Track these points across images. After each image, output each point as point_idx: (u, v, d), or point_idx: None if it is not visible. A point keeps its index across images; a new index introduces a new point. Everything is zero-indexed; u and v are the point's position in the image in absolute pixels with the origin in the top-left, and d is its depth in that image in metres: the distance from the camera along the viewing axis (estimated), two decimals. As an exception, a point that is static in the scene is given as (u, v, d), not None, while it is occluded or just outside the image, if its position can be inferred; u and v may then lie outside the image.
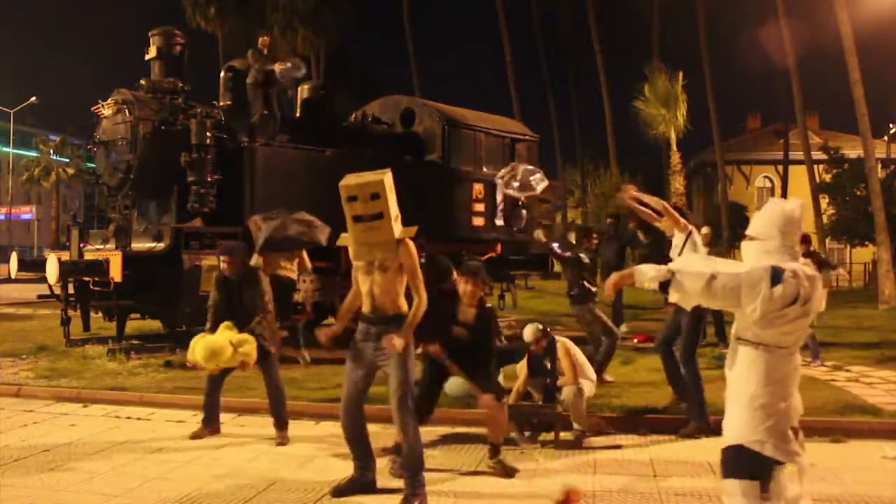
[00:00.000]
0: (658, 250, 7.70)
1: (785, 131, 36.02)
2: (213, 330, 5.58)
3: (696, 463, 5.08)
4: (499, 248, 13.15)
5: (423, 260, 4.79)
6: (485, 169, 12.78)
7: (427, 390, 5.06)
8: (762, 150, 42.92)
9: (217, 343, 5.40)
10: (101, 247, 10.75)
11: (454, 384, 6.73)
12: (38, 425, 6.27)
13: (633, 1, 33.85)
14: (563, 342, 5.89)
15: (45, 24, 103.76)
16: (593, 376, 6.13)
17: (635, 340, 10.45)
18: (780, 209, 2.97)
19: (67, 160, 49.34)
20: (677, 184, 25.72)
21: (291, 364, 8.40)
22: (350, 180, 4.23)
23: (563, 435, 5.65)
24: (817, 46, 51.93)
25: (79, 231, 10.01)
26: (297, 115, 12.17)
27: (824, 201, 27.56)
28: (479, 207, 12.66)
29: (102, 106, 10.64)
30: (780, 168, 37.98)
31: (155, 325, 11.42)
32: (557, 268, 12.04)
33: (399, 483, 4.36)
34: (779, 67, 29.97)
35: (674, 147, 25.63)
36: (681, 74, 25.30)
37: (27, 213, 51.97)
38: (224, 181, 10.08)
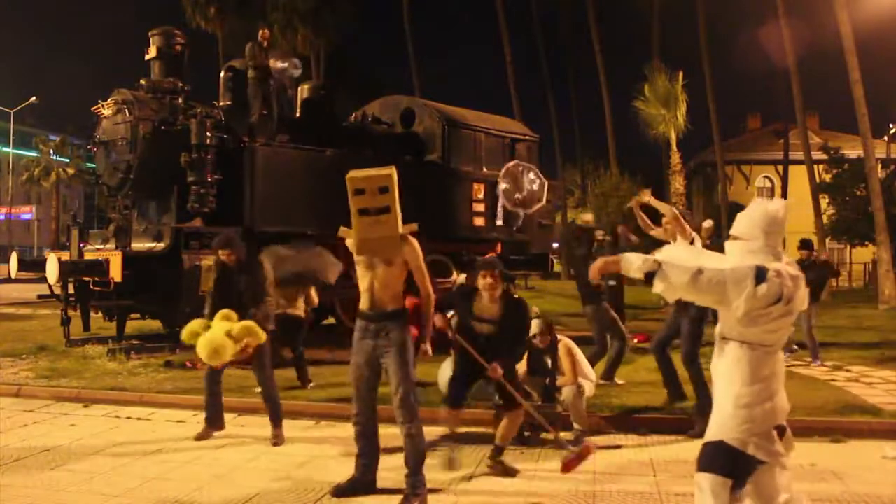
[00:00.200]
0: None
1: (785, 131, 36.01)
2: (211, 316, 5.54)
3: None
4: (499, 248, 13.14)
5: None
6: (485, 169, 12.78)
7: (459, 380, 5.00)
8: (762, 150, 42.94)
9: (218, 341, 5.36)
10: (101, 247, 10.75)
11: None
12: (38, 425, 6.27)
13: (633, 1, 33.85)
14: (564, 342, 5.89)
15: (45, 24, 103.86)
16: (593, 376, 6.13)
17: (635, 340, 10.44)
18: (764, 210, 2.98)
19: (67, 160, 49.33)
20: (677, 184, 25.69)
21: (291, 365, 8.39)
22: (358, 173, 4.19)
23: (563, 435, 5.65)
24: (817, 46, 52.03)
25: (79, 231, 10.01)
26: (297, 115, 12.16)
27: (824, 201, 27.54)
28: (479, 207, 12.65)
29: (102, 106, 10.64)
30: (780, 168, 37.99)
31: (155, 325, 11.42)
32: (557, 268, 12.02)
33: (400, 483, 4.36)
34: (779, 67, 29.97)
35: (674, 147, 25.60)
36: (681, 74, 25.28)
37: (27, 213, 51.97)
38: (224, 181, 10.08)
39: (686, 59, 59.00)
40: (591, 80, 76.36)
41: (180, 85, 10.67)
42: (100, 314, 10.47)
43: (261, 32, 11.46)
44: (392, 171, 4.18)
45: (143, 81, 10.63)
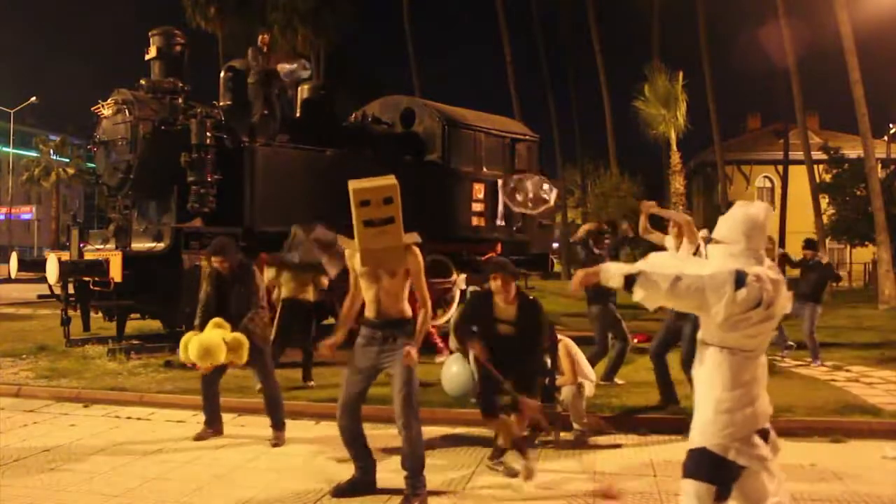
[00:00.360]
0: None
1: (785, 131, 35.98)
2: (202, 327, 5.50)
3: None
4: (499, 248, 13.14)
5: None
6: (485, 169, 12.78)
7: (486, 390, 4.90)
8: (762, 150, 42.91)
9: (211, 341, 5.35)
10: (101, 247, 10.75)
11: (453, 384, 6.73)
12: (38, 425, 6.27)
13: (633, 1, 33.86)
14: (564, 342, 5.88)
15: (45, 24, 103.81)
16: (593, 376, 6.13)
17: (635, 340, 10.42)
18: (745, 213, 2.97)
19: (67, 160, 49.33)
20: (677, 184, 25.71)
21: (292, 366, 8.39)
22: (362, 184, 4.16)
23: (563, 435, 5.66)
24: (817, 46, 52.05)
25: (79, 231, 10.01)
26: (297, 115, 12.17)
27: (824, 201, 27.55)
28: (479, 207, 12.65)
29: (102, 106, 10.64)
30: (780, 168, 37.94)
31: (155, 325, 11.42)
32: (557, 268, 12.00)
33: (400, 483, 4.36)
34: (779, 67, 29.96)
35: (674, 147, 25.62)
36: (681, 74, 25.31)
37: (27, 213, 51.97)
38: (224, 181, 10.08)
39: (686, 59, 59.15)
40: (591, 80, 76.54)
41: (180, 85, 10.66)
42: (100, 314, 10.47)
43: (261, 37, 11.48)
44: (395, 182, 4.18)
45: (143, 81, 10.63)
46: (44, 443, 5.64)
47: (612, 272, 2.94)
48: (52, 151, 48.94)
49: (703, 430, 2.89)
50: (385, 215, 4.14)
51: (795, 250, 10.18)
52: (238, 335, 5.43)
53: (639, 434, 5.86)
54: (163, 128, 10.19)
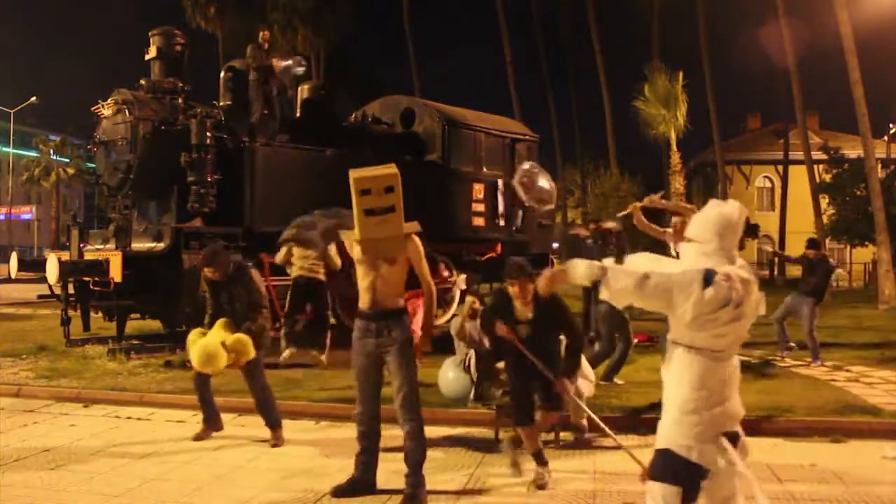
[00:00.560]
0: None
1: (785, 131, 36.01)
2: (210, 326, 5.56)
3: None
4: (499, 248, 13.15)
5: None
6: (485, 169, 12.78)
7: (521, 397, 4.86)
8: (762, 150, 42.95)
9: (212, 348, 5.37)
10: (101, 247, 10.75)
11: (451, 388, 6.74)
12: (38, 425, 6.27)
13: (633, 1, 33.86)
14: (564, 341, 5.88)
15: (45, 24, 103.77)
16: (592, 377, 6.13)
17: (636, 340, 10.44)
18: (718, 212, 2.94)
19: (67, 160, 49.32)
20: (677, 184, 25.68)
21: (294, 366, 8.40)
22: (363, 173, 4.17)
23: (563, 435, 5.66)
24: (817, 46, 52.01)
25: (79, 231, 10.01)
26: (297, 115, 12.17)
27: (824, 201, 27.56)
28: (479, 207, 12.65)
29: (102, 106, 10.64)
30: (780, 168, 37.97)
31: (155, 325, 11.42)
32: (557, 267, 11.98)
33: (400, 483, 4.36)
34: (779, 67, 30.00)
35: (674, 147, 25.60)
36: (681, 74, 25.25)
37: (27, 213, 51.96)
38: (224, 181, 10.08)
39: (686, 59, 59.02)
40: (591, 80, 76.34)
41: (180, 85, 10.67)
42: (100, 314, 10.47)
43: (261, 34, 11.47)
44: (396, 171, 4.18)
45: (143, 81, 10.64)
46: (44, 443, 5.64)
47: (580, 270, 2.91)
48: (52, 151, 48.93)
49: (669, 431, 2.86)
50: (386, 204, 4.14)
51: (796, 250, 10.15)
52: (240, 336, 5.44)
53: (639, 434, 5.85)
54: (163, 128, 10.19)
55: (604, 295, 2.89)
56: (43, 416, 6.62)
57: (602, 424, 4.52)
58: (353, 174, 4.16)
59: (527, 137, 13.78)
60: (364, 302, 4.39)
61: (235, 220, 10.11)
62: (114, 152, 10.43)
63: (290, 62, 11.13)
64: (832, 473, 4.82)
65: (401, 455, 4.40)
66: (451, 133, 12.43)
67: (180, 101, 10.56)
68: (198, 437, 5.73)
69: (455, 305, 11.76)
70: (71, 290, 10.01)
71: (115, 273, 9.30)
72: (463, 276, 11.65)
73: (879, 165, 25.04)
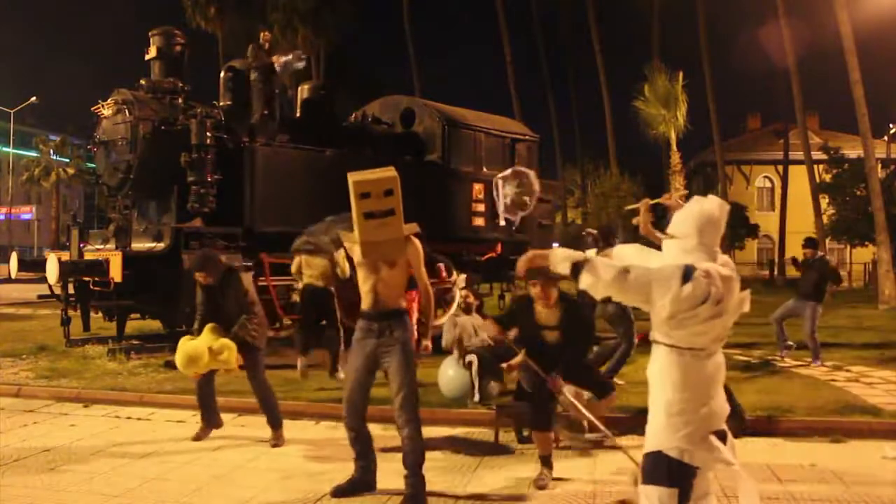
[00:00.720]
0: None
1: (785, 131, 36.02)
2: (200, 331, 5.55)
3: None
4: (499, 248, 13.14)
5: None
6: (485, 169, 12.77)
7: (540, 399, 4.82)
8: (762, 150, 42.97)
9: (195, 350, 5.37)
10: (101, 247, 10.74)
11: (450, 387, 6.75)
12: (38, 425, 6.27)
13: (633, 1, 33.86)
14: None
15: (45, 24, 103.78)
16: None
17: (636, 340, 10.43)
18: (699, 208, 2.93)
19: (67, 160, 49.30)
20: (677, 184, 25.66)
21: (293, 367, 8.40)
22: (363, 176, 4.16)
23: (563, 435, 5.65)
24: (817, 46, 52.11)
25: (79, 231, 10.01)
26: (297, 115, 12.16)
27: (824, 201, 27.57)
28: (479, 207, 12.64)
29: (102, 106, 10.64)
30: (780, 168, 37.99)
31: (155, 325, 11.42)
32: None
33: (400, 484, 4.36)
34: (779, 67, 30.02)
35: (674, 147, 25.57)
36: (681, 74, 25.22)
37: (27, 213, 51.95)
38: (224, 181, 10.07)
39: (686, 59, 59.04)
40: (591, 80, 76.37)
41: (180, 85, 10.66)
42: (100, 314, 10.47)
43: (262, 34, 11.48)
44: (395, 174, 4.18)
45: (143, 81, 10.63)
46: (44, 443, 5.64)
47: (561, 258, 2.89)
48: (52, 151, 48.91)
49: (658, 434, 2.83)
50: (385, 207, 4.14)
51: (796, 251, 10.14)
52: (224, 341, 5.39)
53: (638, 434, 5.84)
54: (163, 128, 10.18)
55: (583, 284, 2.85)
56: (43, 416, 6.62)
57: (599, 424, 4.52)
58: (353, 177, 4.15)
59: (527, 137, 13.78)
60: (366, 303, 4.40)
61: (235, 220, 10.11)
62: (114, 152, 10.43)
63: (289, 57, 11.15)
64: (832, 473, 4.82)
65: (401, 455, 4.39)
66: (451, 133, 12.42)
67: (180, 101, 10.56)
68: (197, 437, 5.73)
69: (455, 306, 11.75)
70: (71, 290, 10.01)
71: (115, 273, 9.30)
72: (463, 276, 11.64)
73: (879, 165, 25.07)
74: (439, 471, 4.84)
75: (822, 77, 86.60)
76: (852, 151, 27.53)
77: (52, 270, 9.30)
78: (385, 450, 4.94)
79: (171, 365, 8.65)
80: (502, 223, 12.53)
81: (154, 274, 9.60)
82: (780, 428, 5.90)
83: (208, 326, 5.51)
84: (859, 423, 5.99)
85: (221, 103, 11.19)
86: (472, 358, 6.67)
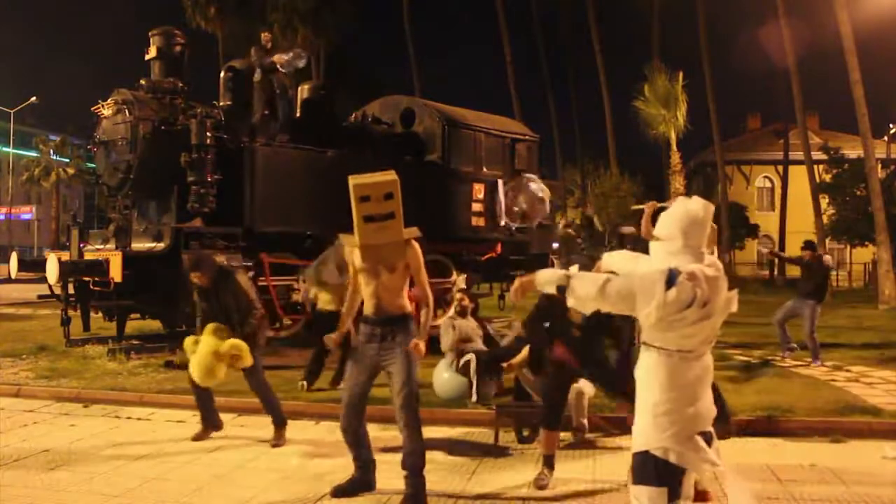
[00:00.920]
0: None
1: (785, 131, 36.02)
2: (201, 330, 5.57)
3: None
4: (499, 248, 13.14)
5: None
6: (485, 169, 12.77)
7: (554, 400, 4.81)
8: (762, 150, 42.97)
9: (208, 361, 5.38)
10: (101, 247, 10.74)
11: (446, 388, 6.75)
12: (38, 425, 6.27)
13: (633, 1, 33.86)
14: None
15: (45, 24, 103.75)
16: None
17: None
18: (684, 210, 2.91)
19: (67, 160, 49.29)
20: (677, 184, 25.66)
21: (293, 367, 8.40)
22: (363, 179, 4.16)
23: (563, 435, 5.65)
24: (817, 46, 52.11)
25: (79, 231, 10.01)
26: (297, 115, 12.16)
27: (824, 201, 27.56)
28: (479, 208, 12.64)
29: (102, 106, 10.64)
30: (780, 168, 38.00)
31: (155, 325, 11.42)
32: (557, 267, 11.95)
33: (400, 484, 4.35)
34: (779, 67, 30.01)
35: (674, 147, 25.58)
36: (681, 74, 25.24)
37: (27, 213, 51.93)
38: (224, 181, 10.07)
39: (686, 59, 59.07)
40: (591, 80, 76.41)
41: (180, 85, 10.66)
42: (100, 314, 10.47)
43: (263, 35, 11.51)
44: (395, 177, 4.18)
45: (143, 81, 10.63)
46: (44, 443, 5.64)
47: (546, 279, 2.91)
48: (52, 151, 48.90)
49: (645, 434, 2.83)
50: (385, 211, 4.14)
51: (796, 251, 10.14)
52: (235, 342, 5.42)
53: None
54: (163, 128, 10.18)
55: (570, 302, 2.87)
56: (43, 416, 6.62)
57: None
58: (353, 181, 4.15)
59: (527, 137, 13.78)
60: (369, 308, 4.39)
61: (235, 220, 10.11)
62: (114, 152, 10.43)
63: (290, 55, 11.15)
64: (832, 473, 4.82)
65: (401, 455, 4.39)
66: (451, 133, 12.42)
67: (180, 101, 10.56)
68: (196, 438, 5.73)
69: (452, 309, 11.75)
70: (71, 290, 10.01)
71: (115, 273, 9.30)
72: (463, 276, 11.65)
73: (879, 165, 25.07)
74: (439, 471, 4.84)
75: (822, 77, 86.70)
76: (852, 151, 27.53)
77: (52, 270, 9.30)
78: (385, 450, 4.94)
79: (171, 365, 8.69)
80: (503, 222, 12.57)
81: (154, 274, 9.60)
82: (780, 428, 5.90)
83: (209, 328, 5.51)
84: (859, 423, 5.99)
85: (221, 103, 11.19)
86: (470, 357, 6.67)
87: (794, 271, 10.11)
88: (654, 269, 2.81)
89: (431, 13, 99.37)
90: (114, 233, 10.70)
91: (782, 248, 31.56)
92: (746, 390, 7.16)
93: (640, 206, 5.41)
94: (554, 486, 4.60)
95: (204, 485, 4.66)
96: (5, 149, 49.61)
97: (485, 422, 6.05)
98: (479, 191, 12.65)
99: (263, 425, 5.88)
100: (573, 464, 5.13)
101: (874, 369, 8.65)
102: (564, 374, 4.81)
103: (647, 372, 2.86)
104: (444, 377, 6.79)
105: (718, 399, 5.38)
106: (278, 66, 10.99)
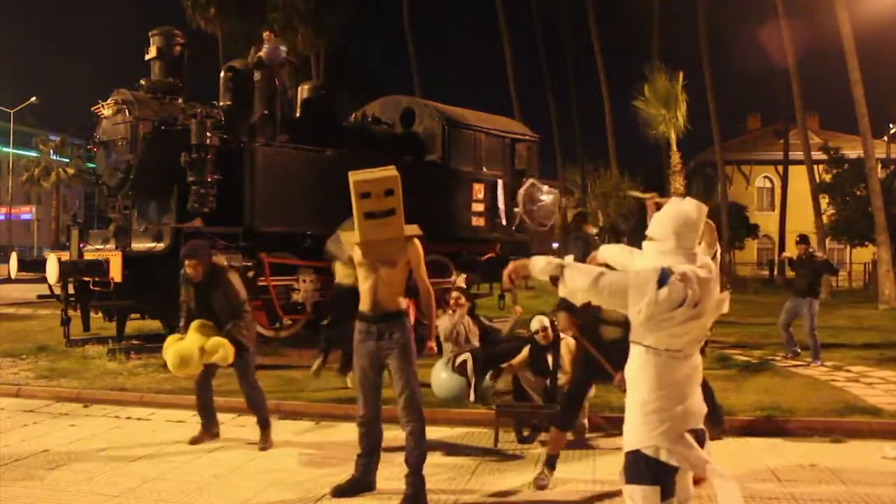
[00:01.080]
0: None
1: (785, 131, 36.01)
2: (185, 329, 5.46)
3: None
4: (498, 248, 13.15)
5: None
6: (485, 169, 12.78)
7: (576, 399, 4.81)
8: (762, 150, 42.94)
9: (186, 350, 5.28)
10: (101, 247, 10.75)
11: (444, 388, 6.75)
12: (38, 425, 6.27)
13: (633, 1, 33.86)
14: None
15: (45, 24, 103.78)
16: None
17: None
18: (676, 210, 2.92)
19: (67, 160, 49.29)
20: (677, 184, 25.64)
21: (294, 367, 8.40)
22: (363, 176, 4.14)
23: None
24: (817, 46, 52.15)
25: (79, 231, 10.02)
26: (297, 115, 12.17)
27: (824, 201, 27.56)
28: (479, 208, 12.65)
29: (102, 106, 10.64)
30: (780, 168, 37.99)
31: (155, 325, 11.42)
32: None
33: (400, 484, 4.36)
34: (779, 67, 29.99)
35: (674, 147, 25.56)
36: (681, 74, 25.22)
37: (27, 213, 51.95)
38: (224, 181, 10.07)
39: (686, 59, 59.15)
40: (591, 80, 76.43)
41: (180, 85, 10.66)
42: (100, 314, 10.47)
43: (265, 35, 11.49)
44: (396, 173, 4.18)
45: (143, 81, 10.64)
46: (44, 443, 5.64)
47: (540, 266, 2.90)
48: (52, 151, 48.90)
49: (635, 433, 2.84)
50: (386, 207, 4.13)
51: (796, 250, 10.13)
52: (219, 339, 5.31)
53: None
54: (163, 128, 10.18)
55: (562, 292, 2.87)
56: (43, 416, 6.62)
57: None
58: (353, 177, 4.14)
59: (527, 137, 13.78)
60: (365, 304, 4.39)
61: (235, 220, 10.11)
62: (114, 152, 10.43)
63: (267, 46, 11.14)
64: (832, 473, 4.82)
65: (401, 455, 4.40)
66: (451, 133, 12.42)
67: (180, 101, 10.57)
68: (195, 441, 5.66)
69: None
70: (71, 290, 10.01)
71: (115, 273, 9.30)
72: (462, 276, 11.65)
73: (879, 165, 25.08)
74: (439, 471, 4.84)
75: (822, 77, 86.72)
76: (852, 151, 27.53)
77: (52, 270, 9.30)
78: (385, 450, 4.94)
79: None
80: (504, 221, 12.58)
81: (154, 274, 9.61)
82: (780, 428, 5.90)
83: (195, 324, 5.40)
84: (859, 423, 5.99)
85: (221, 103, 11.19)
86: (466, 356, 6.67)
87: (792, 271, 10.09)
88: (648, 266, 2.82)
89: (431, 13, 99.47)
90: (114, 233, 10.70)
91: (782, 248, 31.55)
92: (746, 390, 7.16)
93: (641, 195, 5.38)
94: (554, 486, 4.60)
95: (204, 485, 4.66)
96: (5, 149, 49.60)
97: (485, 422, 6.05)
98: (478, 191, 12.66)
99: (263, 425, 5.87)
100: (573, 464, 5.12)
101: (874, 369, 8.65)
102: (588, 371, 4.77)
103: (637, 370, 2.87)
104: (441, 377, 6.79)
105: (711, 400, 5.41)
106: (265, 61, 10.97)
